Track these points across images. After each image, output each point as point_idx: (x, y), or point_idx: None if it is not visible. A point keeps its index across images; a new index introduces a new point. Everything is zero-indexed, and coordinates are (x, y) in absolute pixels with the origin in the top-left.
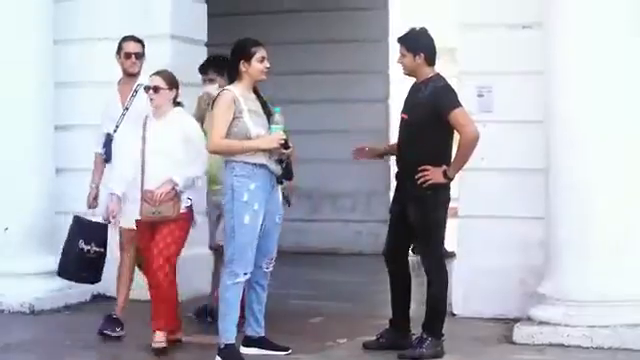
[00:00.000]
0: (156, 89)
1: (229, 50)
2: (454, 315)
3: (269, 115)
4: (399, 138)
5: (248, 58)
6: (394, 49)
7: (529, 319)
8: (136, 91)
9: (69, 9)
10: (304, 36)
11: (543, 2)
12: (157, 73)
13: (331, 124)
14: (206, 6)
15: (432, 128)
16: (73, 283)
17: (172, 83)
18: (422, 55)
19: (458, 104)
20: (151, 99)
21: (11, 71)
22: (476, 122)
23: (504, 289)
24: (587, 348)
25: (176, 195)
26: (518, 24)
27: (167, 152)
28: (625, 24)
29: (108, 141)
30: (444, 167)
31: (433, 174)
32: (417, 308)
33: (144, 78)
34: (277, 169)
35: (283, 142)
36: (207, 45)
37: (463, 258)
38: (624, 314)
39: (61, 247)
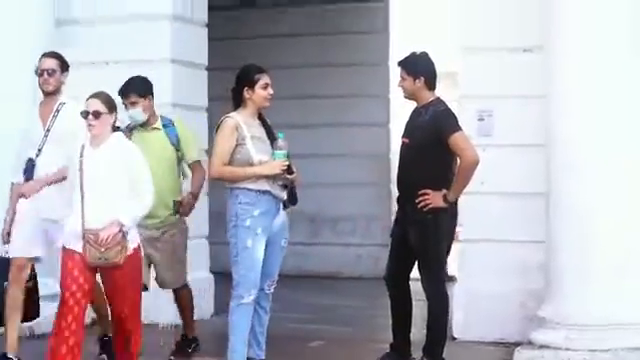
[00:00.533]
0: (96, 114)
1: (230, 74)
2: (455, 339)
3: (273, 141)
4: (400, 162)
5: (252, 85)
6: (394, 73)
7: (530, 343)
8: (57, 110)
9: (70, 33)
10: (304, 60)
11: (544, 26)
12: (95, 96)
13: (331, 148)
14: (206, 30)
15: (433, 152)
16: None
17: (112, 106)
18: (422, 79)
19: (458, 128)
20: (90, 125)
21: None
22: (476, 146)
23: (505, 313)
24: None
25: (123, 237)
26: (519, 48)
27: (109, 184)
28: (626, 46)
29: (30, 167)
30: (444, 191)
31: (433, 198)
32: (418, 332)
33: (66, 97)
34: (281, 194)
35: (286, 168)
36: (207, 69)
37: (463, 282)
38: (625, 337)
39: None
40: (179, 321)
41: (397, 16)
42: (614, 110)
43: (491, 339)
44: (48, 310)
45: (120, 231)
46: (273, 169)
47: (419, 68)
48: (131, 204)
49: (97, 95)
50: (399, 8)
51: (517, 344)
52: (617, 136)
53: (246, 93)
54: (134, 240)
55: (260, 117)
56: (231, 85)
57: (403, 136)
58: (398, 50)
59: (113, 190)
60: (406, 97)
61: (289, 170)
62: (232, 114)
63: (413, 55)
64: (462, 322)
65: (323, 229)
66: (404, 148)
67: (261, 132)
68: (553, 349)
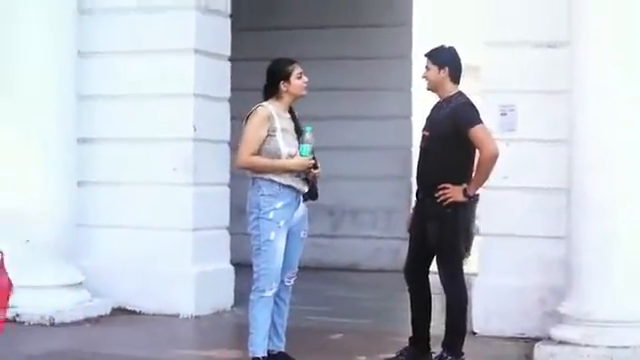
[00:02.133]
0: None
1: (252, 65)
2: (475, 334)
3: (300, 134)
4: (420, 155)
5: (287, 77)
6: (417, 66)
7: (549, 339)
8: None
9: (93, 22)
10: (326, 53)
11: (569, 22)
12: None
13: (353, 141)
14: (230, 21)
15: (453, 145)
16: (93, 296)
17: None
18: (447, 69)
19: (479, 121)
20: None
21: (34, 83)
22: (498, 140)
23: (524, 308)
24: None
25: None
26: (543, 43)
27: None
28: None
29: None
30: (464, 185)
31: (453, 192)
32: (437, 326)
33: None
34: (303, 188)
35: (311, 165)
36: (230, 60)
37: (484, 276)
38: None
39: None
40: (200, 312)
41: (420, 9)
42: (637, 107)
43: (511, 334)
44: None
45: None
46: (300, 166)
47: (445, 58)
48: None
49: None
50: (423, 1)
51: (537, 339)
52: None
53: (282, 86)
54: None
55: (290, 110)
56: (254, 76)
57: (424, 129)
58: (421, 43)
59: None
60: (429, 89)
61: (314, 165)
62: (265, 103)
63: (441, 47)
64: (482, 317)
65: (343, 222)
66: (424, 141)
67: (290, 125)
68: (573, 345)
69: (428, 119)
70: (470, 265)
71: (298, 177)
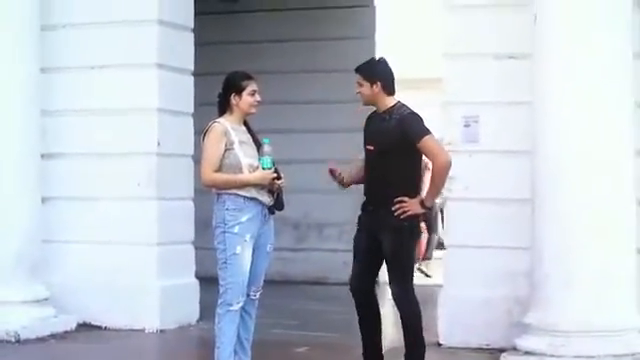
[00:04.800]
0: None
1: (216, 79)
2: (440, 345)
3: (258, 146)
4: (368, 169)
5: (239, 91)
6: None
7: (515, 349)
8: None
9: (56, 38)
10: (287, 66)
11: (529, 33)
12: None
13: (316, 153)
14: (193, 35)
15: (402, 157)
16: (59, 312)
17: None
18: (379, 84)
19: (428, 131)
20: None
21: None
22: (462, 152)
23: (490, 319)
24: None
25: None
26: (504, 54)
27: None
28: (610, 53)
29: None
30: (420, 197)
31: (410, 205)
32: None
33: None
34: (268, 200)
35: (274, 177)
36: (194, 74)
37: (449, 288)
38: (609, 344)
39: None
40: (165, 327)
41: (382, 22)
42: (597, 117)
43: (476, 345)
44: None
45: None
46: (263, 180)
47: (375, 72)
48: None
49: None
50: (385, 14)
51: (502, 350)
52: (601, 144)
53: (233, 99)
54: None
55: (245, 123)
56: (218, 91)
57: (367, 144)
58: (384, 55)
59: None
60: (365, 104)
61: (277, 176)
62: (220, 119)
63: (371, 60)
64: (448, 328)
65: (309, 235)
66: (371, 155)
67: (247, 137)
68: (538, 355)
69: (369, 132)
70: (435, 277)
71: (263, 190)
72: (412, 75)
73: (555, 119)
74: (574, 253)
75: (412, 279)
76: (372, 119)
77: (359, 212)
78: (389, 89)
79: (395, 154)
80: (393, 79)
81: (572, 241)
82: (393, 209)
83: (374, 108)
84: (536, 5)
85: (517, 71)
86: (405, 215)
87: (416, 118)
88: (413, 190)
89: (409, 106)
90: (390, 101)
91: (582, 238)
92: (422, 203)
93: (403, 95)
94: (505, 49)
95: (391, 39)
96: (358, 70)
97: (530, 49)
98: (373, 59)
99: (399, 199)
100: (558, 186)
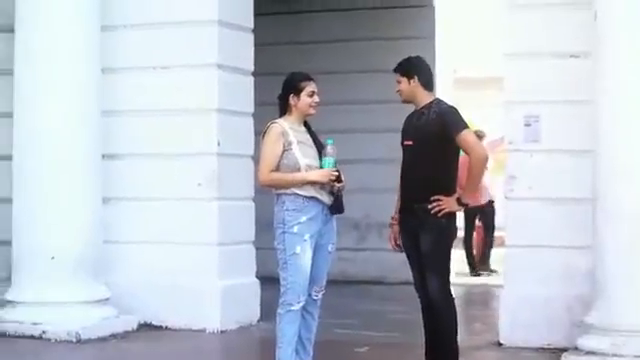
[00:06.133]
0: None
1: (276, 79)
2: (501, 344)
3: (320, 147)
4: (405, 165)
5: (298, 92)
6: (440, 79)
7: (576, 349)
8: None
9: (117, 38)
10: (350, 65)
11: (593, 31)
12: None
13: (377, 153)
14: (253, 36)
15: (440, 152)
16: (119, 312)
17: None
18: (416, 79)
19: (466, 125)
20: None
21: (59, 101)
22: (523, 151)
23: (551, 318)
24: None
25: None
26: (566, 53)
27: None
28: None
29: None
30: (457, 194)
31: (447, 203)
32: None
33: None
34: (329, 201)
35: (335, 177)
36: (254, 74)
37: (510, 287)
38: None
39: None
40: (226, 327)
41: (443, 22)
42: None
43: (537, 345)
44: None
45: None
46: (321, 177)
47: (412, 68)
48: None
49: None
50: (445, 14)
51: (564, 350)
52: None
53: (291, 100)
54: None
55: (305, 124)
56: (277, 91)
57: (406, 140)
58: (445, 56)
59: None
60: (404, 101)
61: (338, 178)
62: (278, 120)
63: (407, 58)
64: (508, 327)
65: (369, 234)
66: (409, 151)
67: (306, 138)
68: (600, 355)
69: (407, 129)
70: (496, 277)
71: (322, 189)
72: (472, 74)
73: (622, 117)
74: (637, 252)
75: (449, 277)
76: (411, 117)
77: None
78: (427, 84)
79: (434, 148)
80: (431, 75)
81: (637, 239)
82: (430, 207)
83: (413, 107)
84: (596, 3)
85: (578, 69)
86: (442, 213)
87: (455, 112)
88: (451, 187)
89: (446, 102)
90: (428, 97)
91: None
92: (459, 200)
93: (463, 94)
94: (566, 48)
95: (450, 39)
96: (396, 68)
97: (591, 47)
98: (410, 57)
99: (435, 197)
100: (623, 184)
